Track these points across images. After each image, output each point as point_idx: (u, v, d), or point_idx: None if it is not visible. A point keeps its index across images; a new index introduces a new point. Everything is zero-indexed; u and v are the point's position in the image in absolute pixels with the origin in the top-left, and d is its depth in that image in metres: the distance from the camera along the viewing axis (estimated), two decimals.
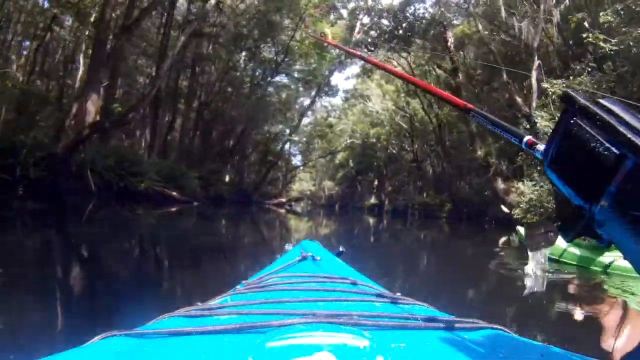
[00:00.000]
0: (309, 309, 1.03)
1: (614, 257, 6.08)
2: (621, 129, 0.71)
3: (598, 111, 0.74)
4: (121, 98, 30.02)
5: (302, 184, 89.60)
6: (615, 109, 0.74)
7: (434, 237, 16.51)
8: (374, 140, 52.98)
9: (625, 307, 4.82)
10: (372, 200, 68.86)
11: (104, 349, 0.88)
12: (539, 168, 18.08)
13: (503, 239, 10.66)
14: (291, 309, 1.04)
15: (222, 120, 41.67)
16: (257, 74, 42.24)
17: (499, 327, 1.01)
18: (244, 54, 39.42)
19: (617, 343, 3.28)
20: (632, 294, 5.27)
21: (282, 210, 35.86)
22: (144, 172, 22.57)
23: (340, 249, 2.61)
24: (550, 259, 7.07)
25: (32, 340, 2.84)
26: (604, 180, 0.71)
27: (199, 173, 29.59)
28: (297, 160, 64.98)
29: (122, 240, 8.82)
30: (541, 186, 17.42)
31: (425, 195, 45.55)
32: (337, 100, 58.53)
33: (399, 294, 1.41)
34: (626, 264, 4.73)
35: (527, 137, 0.94)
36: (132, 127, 31.98)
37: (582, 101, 0.75)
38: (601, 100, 0.74)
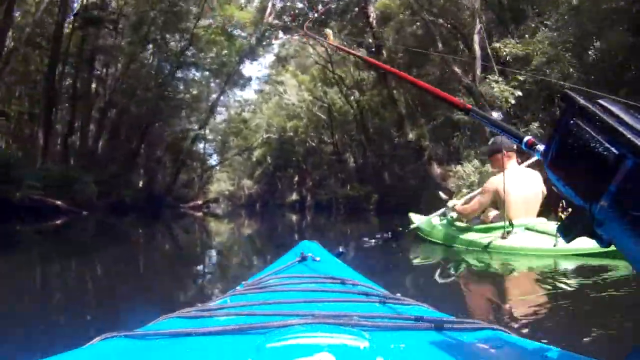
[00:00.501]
0: (308, 310, 1.05)
1: (490, 238, 6.05)
2: (621, 129, 0.71)
3: (597, 111, 0.75)
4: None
5: (220, 184, 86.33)
6: (615, 109, 0.75)
7: (361, 230, 15.50)
8: (292, 133, 51.66)
9: (508, 280, 4.98)
10: (294, 196, 67.74)
11: (104, 350, 0.91)
12: (478, 151, 17.65)
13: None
14: (291, 309, 1.07)
15: (128, 120, 38.97)
16: (164, 68, 39.80)
17: (498, 327, 1.05)
18: (150, 46, 36.87)
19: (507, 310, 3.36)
20: (512, 268, 5.47)
21: (200, 214, 34.26)
22: (20, 178, 19.71)
23: (340, 249, 2.77)
24: (431, 242, 7.32)
25: None
26: (604, 180, 0.72)
27: (98, 177, 27.33)
28: (213, 160, 60.37)
29: None
30: (484, 169, 15.91)
31: (348, 187, 43.19)
32: (251, 95, 56.05)
33: (399, 294, 1.45)
34: (503, 242, 5.76)
35: (527, 138, 0.98)
36: (19, 129, 26.80)
37: (582, 101, 0.77)
38: (601, 101, 0.76)
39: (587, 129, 0.75)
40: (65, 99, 31.31)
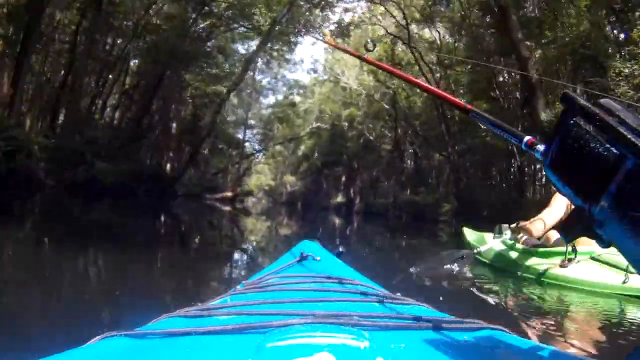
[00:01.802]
0: (308, 310, 1.10)
1: (548, 265, 5.31)
2: (621, 129, 0.73)
3: (598, 112, 0.78)
4: None
5: (260, 177, 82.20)
6: (615, 109, 0.77)
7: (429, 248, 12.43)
8: (346, 123, 42.80)
9: (562, 320, 4.27)
10: (339, 198, 61.59)
11: (104, 349, 0.95)
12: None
13: None
14: (291, 309, 1.12)
15: (143, 75, 35.20)
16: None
17: (499, 327, 1.08)
18: None
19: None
20: (568, 304, 4.76)
21: (228, 208, 31.13)
22: None
23: (340, 249, 2.69)
24: (479, 262, 6.70)
25: None
26: (604, 180, 0.74)
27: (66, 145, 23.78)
28: (253, 149, 52.95)
29: None
30: None
31: (408, 192, 34.20)
32: (303, 76, 48.31)
33: (399, 294, 1.49)
34: (560, 272, 5.19)
35: (527, 138, 1.00)
36: None
37: (582, 102, 0.80)
38: (601, 101, 0.80)
39: (587, 129, 0.78)
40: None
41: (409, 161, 44.05)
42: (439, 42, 31.64)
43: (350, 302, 1.28)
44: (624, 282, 4.36)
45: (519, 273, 5.87)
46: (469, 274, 6.48)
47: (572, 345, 3.12)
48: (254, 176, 75.18)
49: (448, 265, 6.52)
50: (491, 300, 4.96)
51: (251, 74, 50.18)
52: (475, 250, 6.84)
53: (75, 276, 5.53)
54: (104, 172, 23.95)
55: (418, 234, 19.52)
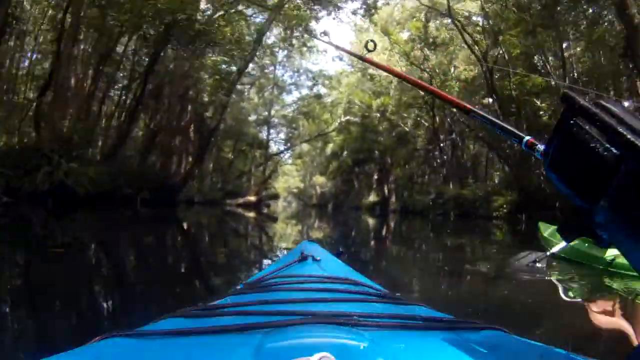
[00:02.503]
0: (309, 310, 1.12)
1: (614, 255, 6.13)
2: (621, 129, 0.75)
3: (598, 112, 0.79)
4: None
5: (288, 180, 79.79)
6: (615, 109, 0.79)
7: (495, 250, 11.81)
8: (377, 114, 38.85)
9: (628, 305, 4.91)
10: (372, 197, 58.99)
11: (104, 349, 0.96)
12: None
13: None
14: (291, 309, 1.14)
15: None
16: None
17: (499, 327, 1.11)
18: None
19: (620, 342, 3.44)
20: (635, 292, 5.39)
21: (252, 214, 29.04)
22: None
23: (340, 249, 3.12)
24: (553, 255, 7.45)
25: None
26: (604, 180, 0.75)
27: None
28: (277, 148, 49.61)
29: None
30: None
31: (450, 185, 30.37)
32: (328, 67, 45.12)
33: (399, 294, 1.58)
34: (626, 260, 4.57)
35: (527, 138, 1.02)
36: None
37: (582, 102, 0.82)
38: (601, 101, 0.81)
39: (587, 129, 0.79)
40: None
41: (449, 152, 39.38)
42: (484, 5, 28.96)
43: (350, 302, 1.29)
44: None
45: (590, 263, 6.61)
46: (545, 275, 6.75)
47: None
48: (281, 178, 73.48)
49: (523, 273, 6.77)
50: (572, 294, 5.56)
51: (272, 68, 46.59)
52: (549, 252, 7.28)
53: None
54: (76, 175, 20.50)
55: (469, 233, 18.12)
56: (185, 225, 17.20)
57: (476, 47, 30.26)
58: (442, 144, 40.88)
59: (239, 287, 1.70)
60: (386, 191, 54.19)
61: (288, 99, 53.76)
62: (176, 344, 0.96)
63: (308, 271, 1.75)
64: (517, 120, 27.98)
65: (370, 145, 52.35)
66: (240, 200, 40.78)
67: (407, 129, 46.03)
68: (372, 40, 2.20)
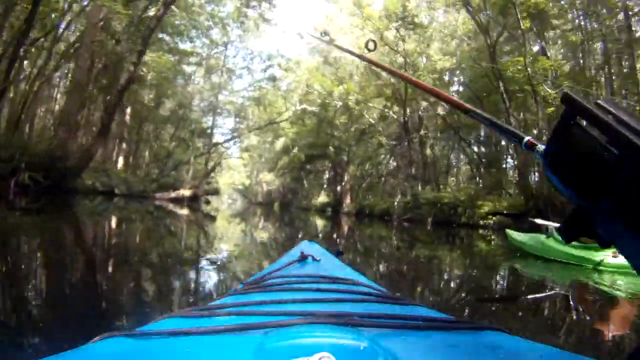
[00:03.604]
0: (308, 310, 1.15)
1: (603, 256, 7.09)
2: (621, 129, 0.76)
3: (597, 112, 0.81)
4: None
5: (233, 175, 75.16)
6: (615, 109, 0.80)
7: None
8: (339, 103, 33.69)
9: (617, 303, 5.38)
10: (323, 198, 55.45)
11: (104, 349, 0.99)
12: None
13: None
14: (291, 309, 1.17)
15: None
16: None
17: (498, 328, 1.15)
18: None
19: (611, 338, 3.68)
20: (622, 290, 6.03)
21: (184, 211, 25.05)
22: None
23: (340, 249, 3.20)
24: (538, 257, 8.56)
25: None
26: (604, 180, 0.79)
27: None
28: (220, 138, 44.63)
29: None
30: None
31: (419, 187, 26.32)
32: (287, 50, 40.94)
33: (398, 294, 1.65)
34: (615, 260, 6.96)
35: (527, 138, 1.03)
36: None
37: (582, 102, 0.83)
38: (600, 101, 0.82)
39: (587, 129, 0.81)
40: None
41: (418, 149, 35.47)
42: None
43: (350, 302, 1.32)
44: None
45: (576, 264, 7.46)
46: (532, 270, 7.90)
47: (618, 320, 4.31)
48: (226, 173, 69.36)
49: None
50: (558, 289, 6.27)
51: (222, 49, 41.49)
52: (554, 230, 8.53)
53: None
54: None
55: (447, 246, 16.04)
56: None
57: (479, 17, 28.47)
58: (412, 140, 36.25)
59: (239, 287, 1.72)
60: (339, 191, 51.05)
61: (239, 84, 48.59)
62: (176, 344, 0.98)
63: (308, 271, 1.80)
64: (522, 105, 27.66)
65: (326, 140, 49.24)
66: (172, 194, 35.77)
67: (372, 120, 41.28)
68: (372, 40, 2.13)
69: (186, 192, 39.58)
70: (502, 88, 25.97)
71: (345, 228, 22.70)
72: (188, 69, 43.91)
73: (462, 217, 26.88)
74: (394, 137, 43.37)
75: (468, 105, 1.29)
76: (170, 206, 28.65)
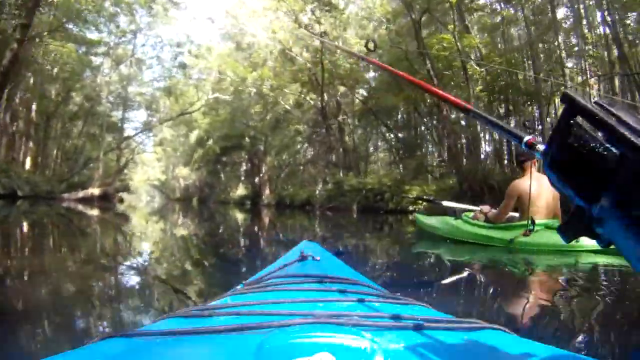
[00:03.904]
0: (308, 309, 1.17)
1: (513, 235, 7.17)
2: (621, 129, 0.77)
3: (597, 111, 0.82)
4: None
5: (147, 171, 72.43)
6: (615, 109, 0.81)
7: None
8: (253, 90, 32.61)
9: (531, 279, 5.54)
10: (241, 190, 54.10)
11: (104, 350, 1.00)
12: None
13: None
14: (291, 309, 1.18)
15: None
16: None
17: (499, 327, 1.17)
18: None
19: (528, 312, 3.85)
20: (535, 267, 6.31)
21: (94, 212, 22.50)
22: None
23: (340, 249, 3.24)
24: (449, 239, 8.65)
25: None
26: (604, 180, 0.79)
27: None
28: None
29: None
30: None
31: (341, 174, 25.41)
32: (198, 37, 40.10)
33: (399, 294, 1.58)
34: (525, 239, 6.86)
35: (527, 138, 1.04)
36: None
37: (582, 101, 0.84)
38: (601, 101, 0.84)
39: (587, 129, 0.82)
40: None
41: (341, 136, 34.76)
42: None
43: (350, 302, 1.32)
44: (576, 242, 5.35)
45: (489, 244, 7.45)
46: (448, 253, 7.90)
47: (536, 296, 4.36)
48: (140, 169, 66.16)
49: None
50: (468, 269, 6.32)
51: (130, 36, 39.81)
52: (463, 214, 8.73)
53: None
54: None
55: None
56: None
57: None
58: (331, 127, 35.34)
59: (238, 287, 1.69)
60: (257, 183, 49.99)
61: (149, 75, 46.42)
62: (176, 344, 0.98)
63: (308, 271, 1.78)
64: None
65: (241, 130, 48.22)
66: (80, 194, 33.65)
67: (287, 107, 40.20)
68: (372, 40, 2.21)
69: (95, 191, 37.90)
70: (429, 66, 25.29)
71: (266, 220, 22.04)
72: (96, 60, 41.66)
73: (390, 203, 26.22)
74: (311, 124, 42.83)
75: (469, 105, 1.28)
76: (80, 207, 26.73)
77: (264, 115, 45.04)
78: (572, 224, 0.87)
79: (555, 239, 6.04)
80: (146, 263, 7.54)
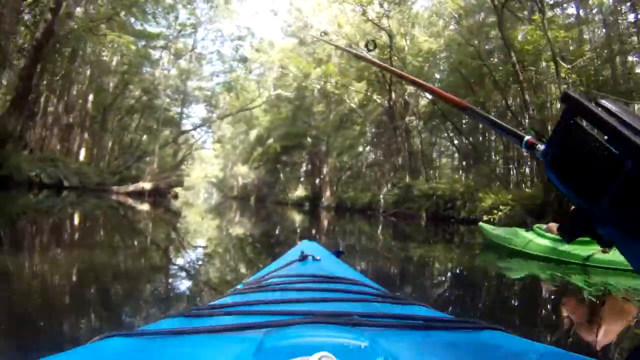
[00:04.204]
0: (308, 309, 1.18)
1: (592, 250, 6.52)
2: (621, 129, 0.78)
3: (598, 111, 0.82)
4: None
5: (206, 168, 71.63)
6: (615, 109, 0.82)
7: None
8: (317, 87, 30.52)
9: (608, 302, 5.05)
10: (300, 191, 51.08)
11: (104, 349, 1.01)
12: None
13: None
14: (291, 308, 1.20)
15: None
16: None
17: (499, 327, 1.16)
18: None
19: (605, 341, 3.45)
20: (615, 289, 5.62)
21: (144, 207, 21.91)
22: None
23: (340, 249, 2.95)
24: (517, 253, 8.11)
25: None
26: (604, 180, 0.79)
27: None
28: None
29: None
30: None
31: (407, 179, 23.71)
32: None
33: (399, 294, 1.60)
34: (604, 257, 6.26)
35: (527, 137, 1.04)
36: None
37: (582, 101, 0.85)
38: (601, 100, 0.84)
39: (587, 128, 0.82)
40: None
41: (407, 138, 32.74)
42: None
43: (350, 301, 1.34)
44: None
45: (562, 260, 6.88)
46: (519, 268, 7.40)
47: (613, 322, 4.10)
48: (199, 166, 64.50)
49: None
50: (546, 287, 5.87)
51: (190, 30, 38.73)
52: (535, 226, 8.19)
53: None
54: None
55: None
56: None
57: None
58: (399, 127, 33.19)
59: (239, 286, 1.70)
60: (318, 184, 48.38)
61: (208, 70, 45.35)
62: (176, 343, 1.00)
63: (308, 270, 1.80)
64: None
65: (303, 129, 47.07)
66: (131, 188, 32.40)
67: (353, 105, 38.08)
68: (372, 40, 2.23)
69: (147, 185, 36.36)
70: (514, 59, 22.91)
71: (325, 223, 21.31)
72: (155, 53, 41.37)
73: (462, 212, 24.35)
74: (376, 124, 41.16)
75: (467, 104, 1.28)
76: (130, 200, 26.23)
77: (327, 115, 43.75)
78: (572, 224, 0.86)
79: None
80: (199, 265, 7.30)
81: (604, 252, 6.36)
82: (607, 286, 5.64)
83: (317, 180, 48.92)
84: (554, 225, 7.75)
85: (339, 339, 0.86)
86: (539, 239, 7.81)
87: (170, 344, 0.99)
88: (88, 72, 35.64)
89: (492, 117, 1.14)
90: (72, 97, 35.54)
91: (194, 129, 51.11)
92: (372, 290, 1.55)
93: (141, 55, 37.42)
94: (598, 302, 4.92)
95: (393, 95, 35.03)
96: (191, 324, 1.10)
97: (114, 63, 38.15)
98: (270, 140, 53.17)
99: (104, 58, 36.24)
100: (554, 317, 4.60)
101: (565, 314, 4.65)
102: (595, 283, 5.88)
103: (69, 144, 36.43)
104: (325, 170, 47.38)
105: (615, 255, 6.15)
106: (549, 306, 5.17)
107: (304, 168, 55.63)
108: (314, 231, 16.40)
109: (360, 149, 47.55)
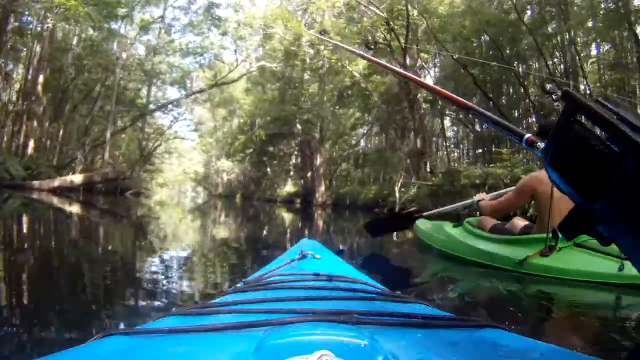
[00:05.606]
0: (309, 307, 1.22)
1: (526, 254, 4.95)
2: (621, 127, 0.79)
3: (598, 109, 0.84)
4: None
5: (184, 162, 64.04)
6: (615, 107, 0.84)
7: None
8: (310, 51, 22.69)
9: (555, 316, 4.01)
10: (289, 187, 45.51)
11: (104, 347, 1.03)
12: None
13: None
14: (291, 307, 1.22)
15: None
16: None
17: (499, 326, 1.19)
18: None
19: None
20: (556, 298, 4.51)
21: (72, 208, 17.56)
22: None
23: (340, 247, 3.25)
24: (444, 255, 6.45)
25: None
26: (605, 178, 0.81)
27: None
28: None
29: None
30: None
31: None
32: None
33: (399, 292, 1.74)
34: (542, 261, 5.03)
35: (527, 135, 1.07)
36: None
37: (582, 100, 0.87)
38: (601, 99, 0.87)
39: (587, 126, 0.84)
40: None
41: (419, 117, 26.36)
42: None
43: (351, 300, 1.36)
44: (620, 270, 4.03)
45: (490, 263, 5.40)
46: (435, 269, 6.21)
47: (568, 345, 3.10)
48: (176, 160, 62.37)
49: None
50: (468, 298, 4.64)
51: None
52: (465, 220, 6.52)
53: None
54: None
55: None
56: None
57: None
58: (416, 100, 26.53)
59: (239, 285, 1.73)
60: (310, 178, 42.49)
61: (179, 45, 38.22)
62: (177, 341, 1.02)
63: (308, 269, 1.78)
64: None
65: (292, 112, 39.40)
66: (56, 182, 27.74)
67: (357, 75, 30.85)
68: (373, 40, 2.76)
69: (75, 179, 29.66)
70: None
71: (321, 224, 17.31)
72: (116, 27, 36.82)
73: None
74: (386, 100, 35.13)
75: (469, 103, 1.28)
76: (55, 200, 20.79)
77: (320, 94, 37.25)
78: (572, 222, 0.87)
79: (590, 263, 4.59)
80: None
81: (543, 254, 4.64)
82: (548, 297, 4.26)
83: (309, 174, 43.61)
84: (519, 220, 5.65)
85: (339, 337, 0.86)
86: (464, 236, 5.93)
87: (170, 342, 1.00)
88: (38, 49, 31.50)
89: (493, 116, 1.12)
90: (18, 79, 32.76)
91: (158, 108, 44.07)
92: (373, 288, 1.55)
93: (94, 25, 31.90)
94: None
95: (408, 60, 28.34)
96: (191, 322, 1.11)
97: (74, 42, 34.08)
98: (255, 128, 47.58)
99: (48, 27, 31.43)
100: None
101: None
102: (531, 292, 4.50)
103: (17, 133, 32.62)
104: (318, 161, 41.68)
105: (557, 260, 4.60)
106: None
107: (293, 161, 51.01)
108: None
109: (364, 129, 42.32)
